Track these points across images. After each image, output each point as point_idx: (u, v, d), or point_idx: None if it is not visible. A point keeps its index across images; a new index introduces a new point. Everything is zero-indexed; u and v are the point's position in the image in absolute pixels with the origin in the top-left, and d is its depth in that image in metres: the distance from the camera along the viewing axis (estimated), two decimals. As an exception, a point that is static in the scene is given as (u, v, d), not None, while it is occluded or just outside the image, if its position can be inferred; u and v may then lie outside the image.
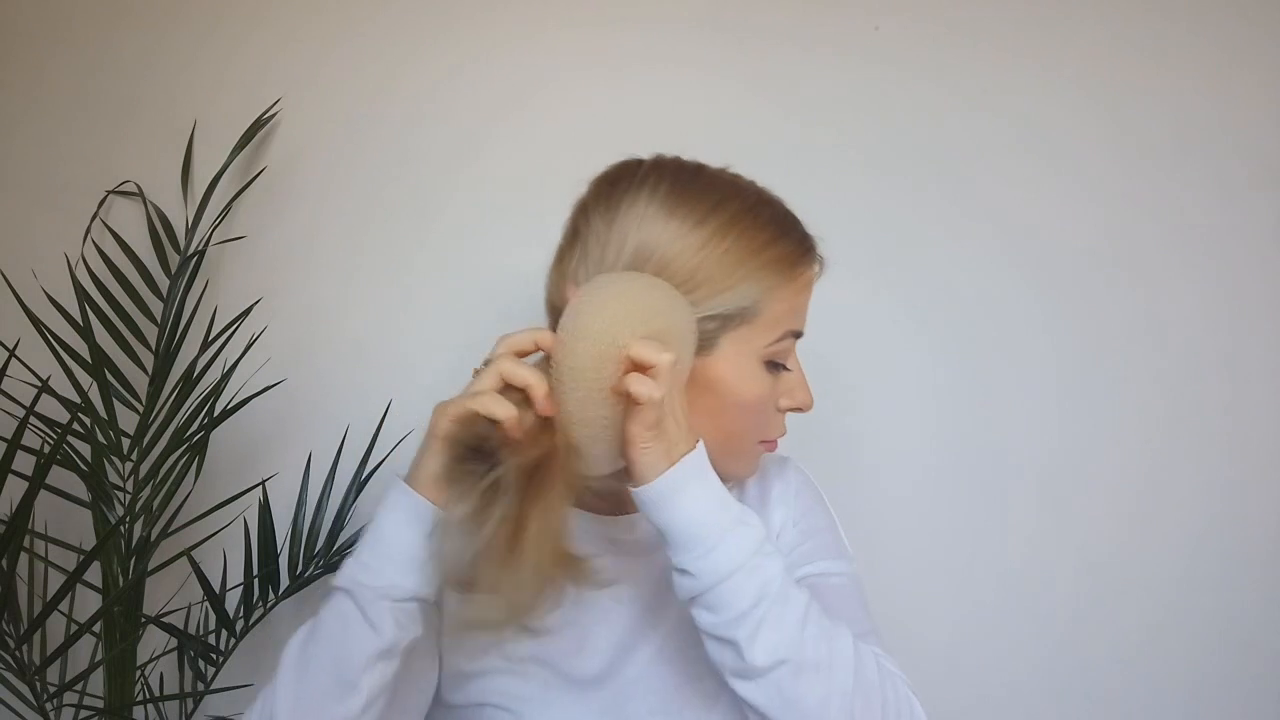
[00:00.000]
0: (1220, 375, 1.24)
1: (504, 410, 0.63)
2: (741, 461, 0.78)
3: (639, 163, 0.76)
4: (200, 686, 1.22)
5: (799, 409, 0.78)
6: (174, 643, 1.23)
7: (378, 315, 1.33)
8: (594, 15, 1.30)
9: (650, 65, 1.30)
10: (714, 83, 1.28)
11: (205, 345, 1.21)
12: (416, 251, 1.32)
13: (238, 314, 1.23)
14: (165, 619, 1.19)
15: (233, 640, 1.20)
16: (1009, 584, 1.26)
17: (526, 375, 0.65)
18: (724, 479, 0.70)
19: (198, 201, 1.30)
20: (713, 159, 0.79)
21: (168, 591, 1.29)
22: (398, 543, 0.66)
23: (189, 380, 1.19)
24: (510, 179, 1.31)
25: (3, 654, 1.06)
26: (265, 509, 1.19)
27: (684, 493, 0.66)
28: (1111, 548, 1.25)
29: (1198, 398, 1.24)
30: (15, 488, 1.01)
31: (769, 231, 0.72)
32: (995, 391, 1.26)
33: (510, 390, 0.65)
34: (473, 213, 1.31)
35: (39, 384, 1.13)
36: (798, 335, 0.76)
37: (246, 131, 1.30)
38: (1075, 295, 1.25)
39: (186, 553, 1.14)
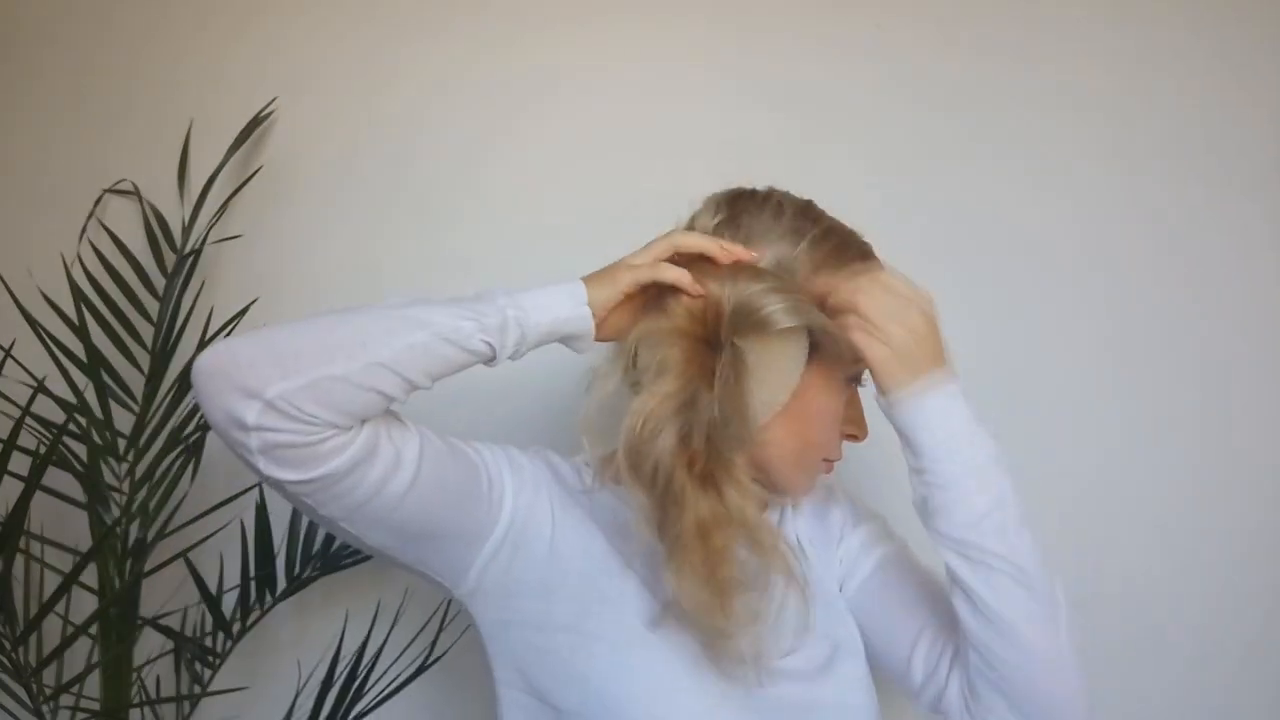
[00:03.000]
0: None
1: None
2: (807, 474, 0.85)
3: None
4: (197, 689, 1.21)
5: (855, 437, 0.86)
6: (170, 645, 1.22)
7: (375, 315, 1.32)
8: (595, 14, 1.30)
9: (650, 63, 1.29)
10: (714, 81, 1.28)
11: (202, 345, 1.20)
12: (414, 250, 1.32)
13: (234, 314, 1.23)
14: (162, 621, 1.19)
15: (229, 642, 1.20)
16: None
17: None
18: (785, 492, 0.84)
19: (194, 200, 1.29)
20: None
21: (164, 593, 1.28)
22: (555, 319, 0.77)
23: (185, 380, 1.19)
24: (508, 178, 1.30)
25: (-1, 656, 1.05)
26: (262, 510, 1.19)
27: None
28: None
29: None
30: (11, 489, 1.00)
31: None
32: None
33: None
34: (471, 211, 1.31)
35: (34, 384, 1.12)
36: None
37: (243, 130, 1.29)
38: (1077, 297, 1.25)
39: (183, 554, 1.13)
